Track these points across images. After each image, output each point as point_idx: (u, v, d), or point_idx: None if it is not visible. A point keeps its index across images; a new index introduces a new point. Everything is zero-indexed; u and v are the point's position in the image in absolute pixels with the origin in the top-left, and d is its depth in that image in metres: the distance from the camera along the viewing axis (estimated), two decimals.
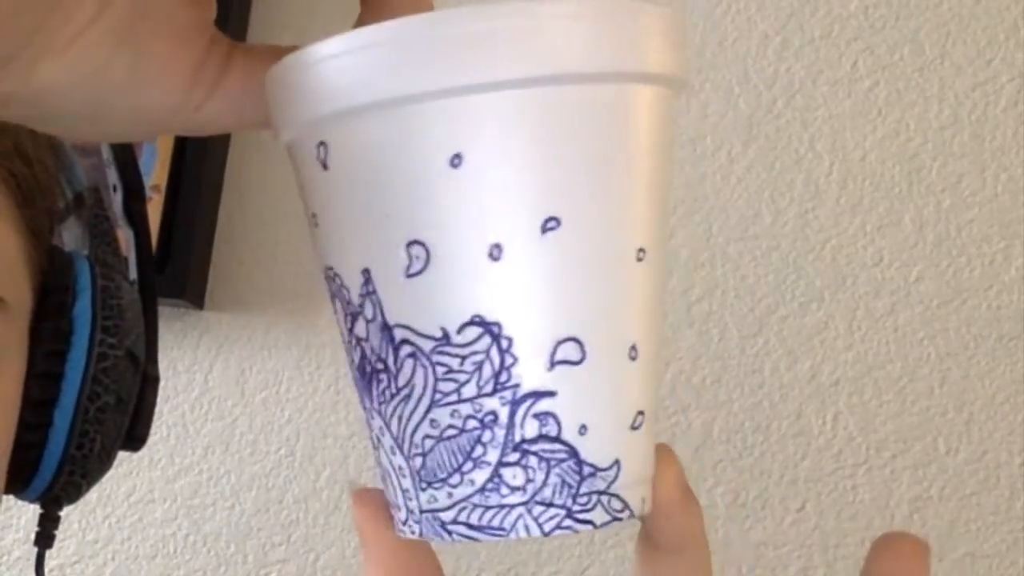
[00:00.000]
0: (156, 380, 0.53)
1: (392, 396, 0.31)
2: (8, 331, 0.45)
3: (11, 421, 0.46)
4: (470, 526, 0.31)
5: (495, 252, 0.29)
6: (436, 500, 0.31)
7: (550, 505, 0.30)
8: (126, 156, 0.54)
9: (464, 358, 0.30)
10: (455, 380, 0.30)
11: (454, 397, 0.30)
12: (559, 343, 0.29)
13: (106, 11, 0.29)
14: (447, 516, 0.31)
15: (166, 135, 0.33)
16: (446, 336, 0.29)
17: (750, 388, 1.02)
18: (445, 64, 0.28)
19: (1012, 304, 1.02)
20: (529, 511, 0.30)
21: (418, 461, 0.31)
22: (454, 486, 0.30)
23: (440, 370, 0.30)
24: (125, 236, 0.54)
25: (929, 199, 1.03)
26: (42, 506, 0.51)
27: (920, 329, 1.02)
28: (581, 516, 0.31)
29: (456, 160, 0.28)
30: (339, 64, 0.29)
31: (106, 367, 0.48)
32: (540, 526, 0.30)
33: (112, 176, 0.53)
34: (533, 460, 0.30)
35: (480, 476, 0.30)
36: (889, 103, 1.05)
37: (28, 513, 1.05)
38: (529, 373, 0.29)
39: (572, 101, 0.29)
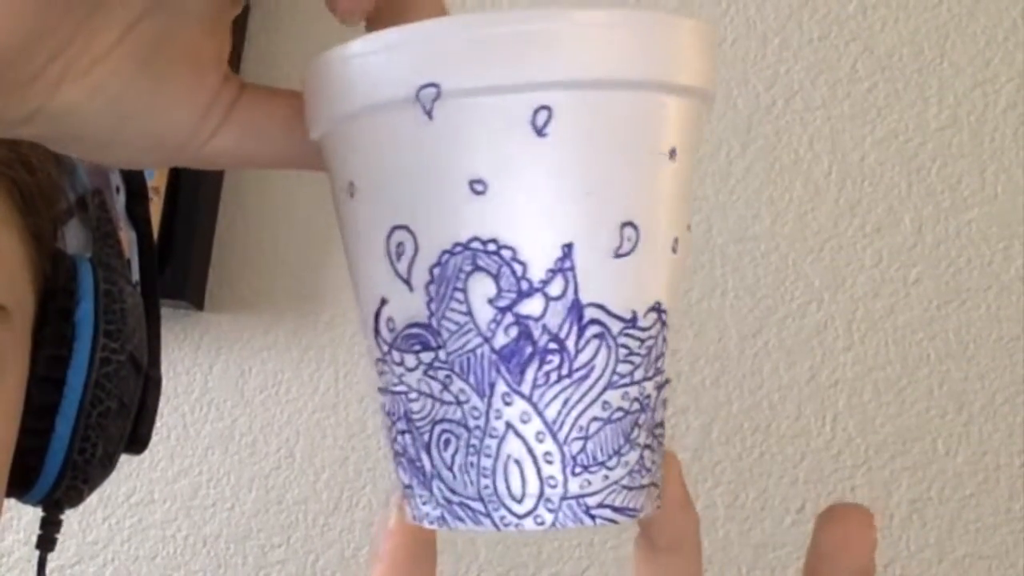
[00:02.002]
0: (158, 383, 0.53)
1: (560, 378, 0.30)
2: (9, 338, 0.45)
3: (12, 427, 0.46)
4: (614, 508, 0.32)
5: (675, 244, 0.31)
6: (590, 484, 0.31)
7: (657, 485, 0.33)
8: None
9: (643, 341, 0.31)
10: (632, 363, 0.31)
11: (628, 380, 0.31)
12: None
13: (129, 36, 0.29)
14: (594, 500, 0.31)
15: (172, 165, 0.33)
16: (634, 319, 0.31)
17: (749, 389, 1.02)
18: (685, 61, 0.30)
19: (1011, 305, 1.02)
20: (649, 490, 0.32)
21: (577, 445, 0.31)
22: (611, 468, 0.31)
23: (622, 352, 0.31)
24: (128, 238, 0.54)
25: (928, 200, 1.04)
26: (44, 510, 0.51)
27: (919, 330, 1.02)
28: (661, 491, 0.34)
29: (673, 153, 0.30)
30: (592, 34, 0.29)
31: (108, 372, 0.48)
32: (653, 503, 0.33)
33: (115, 178, 0.53)
34: (656, 442, 0.32)
35: (633, 457, 0.32)
36: (888, 104, 1.05)
37: (28, 514, 1.05)
38: (666, 359, 0.32)
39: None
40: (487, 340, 0.30)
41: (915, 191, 1.04)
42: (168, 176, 1.03)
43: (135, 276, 0.54)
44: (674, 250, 0.31)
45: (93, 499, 1.05)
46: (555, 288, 0.30)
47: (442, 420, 0.31)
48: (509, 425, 0.31)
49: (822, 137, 1.05)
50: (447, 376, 0.31)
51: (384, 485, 1.04)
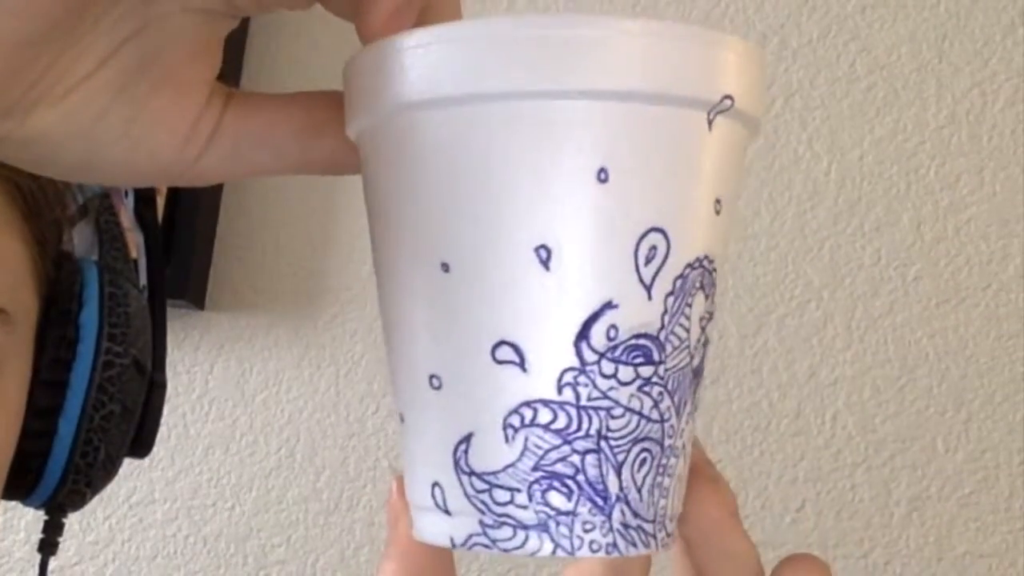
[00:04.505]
0: (163, 387, 0.53)
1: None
2: (10, 342, 0.45)
3: (13, 430, 0.46)
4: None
5: None
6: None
7: None
8: None
9: None
10: None
11: None
12: None
13: (109, 62, 0.29)
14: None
15: (160, 185, 0.33)
16: None
17: (749, 388, 1.02)
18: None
19: (1010, 303, 1.02)
20: None
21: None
22: None
23: None
24: (136, 240, 0.54)
25: (927, 198, 1.04)
26: (46, 513, 0.51)
27: (918, 328, 1.02)
28: None
29: None
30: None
31: (112, 375, 0.48)
32: None
33: None
34: None
35: None
36: (887, 103, 1.05)
37: (29, 515, 1.05)
38: None
39: None
40: (692, 358, 0.30)
41: (914, 190, 1.04)
42: None
43: (143, 280, 0.54)
44: None
45: (93, 499, 1.05)
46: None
47: (644, 439, 0.29)
48: (684, 445, 0.30)
49: (821, 136, 1.05)
50: (660, 393, 0.29)
51: (384, 486, 1.04)
